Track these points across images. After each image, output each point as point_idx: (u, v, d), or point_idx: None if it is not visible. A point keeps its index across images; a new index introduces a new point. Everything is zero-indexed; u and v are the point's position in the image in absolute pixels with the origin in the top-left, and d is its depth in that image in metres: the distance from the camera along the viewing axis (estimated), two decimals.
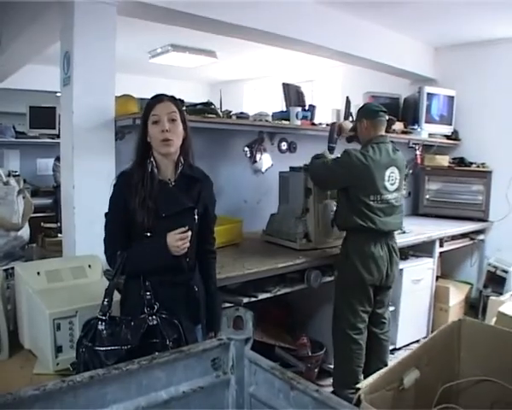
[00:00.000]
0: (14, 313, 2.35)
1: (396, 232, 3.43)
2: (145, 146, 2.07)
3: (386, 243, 3.26)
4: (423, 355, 1.65)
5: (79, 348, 1.90)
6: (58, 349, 2.04)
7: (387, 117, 3.39)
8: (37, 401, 1.14)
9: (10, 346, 2.20)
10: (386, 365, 3.29)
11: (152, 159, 2.07)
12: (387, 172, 3.20)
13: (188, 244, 2.00)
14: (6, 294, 2.38)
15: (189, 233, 2.00)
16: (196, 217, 2.11)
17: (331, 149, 3.55)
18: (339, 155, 3.34)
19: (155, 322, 1.92)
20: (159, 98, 2.08)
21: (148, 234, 2.02)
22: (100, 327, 1.88)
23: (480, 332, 1.79)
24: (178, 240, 1.96)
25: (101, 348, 1.85)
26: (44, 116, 6.52)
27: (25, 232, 3.13)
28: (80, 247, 3.02)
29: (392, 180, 3.23)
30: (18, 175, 4.78)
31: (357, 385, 1.56)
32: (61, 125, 3.39)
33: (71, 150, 3.08)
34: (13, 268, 2.44)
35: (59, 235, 3.89)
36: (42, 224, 4.25)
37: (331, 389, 3.35)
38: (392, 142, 3.42)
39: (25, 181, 6.04)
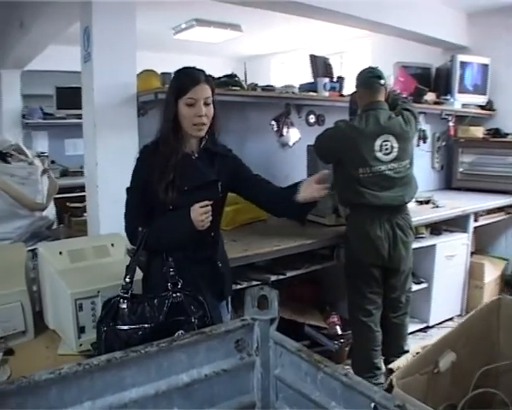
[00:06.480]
0: (40, 294, 2.35)
1: (408, 206, 3.17)
2: (174, 123, 2.02)
3: (388, 220, 3.01)
4: (460, 337, 1.57)
5: (100, 327, 1.83)
6: (81, 330, 2.01)
7: (383, 81, 3.12)
8: (54, 385, 1.12)
9: (36, 326, 2.18)
10: (402, 349, 3.15)
11: (179, 135, 2.03)
12: (378, 142, 2.96)
13: (210, 218, 1.96)
14: (32, 275, 2.38)
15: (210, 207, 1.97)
16: (220, 190, 2.08)
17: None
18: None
19: (179, 299, 1.86)
20: (195, 80, 1.99)
21: (171, 208, 1.99)
22: (122, 305, 1.82)
23: None
24: (202, 214, 1.93)
25: (124, 328, 1.79)
26: (71, 96, 6.48)
27: (50, 212, 3.16)
28: (104, 226, 3.04)
29: (387, 149, 2.97)
30: (46, 156, 4.81)
31: (390, 366, 1.49)
32: (83, 102, 3.37)
33: (93, 127, 3.09)
34: None
35: (84, 214, 3.90)
36: (67, 204, 4.25)
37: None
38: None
39: (53, 162, 6.13)
